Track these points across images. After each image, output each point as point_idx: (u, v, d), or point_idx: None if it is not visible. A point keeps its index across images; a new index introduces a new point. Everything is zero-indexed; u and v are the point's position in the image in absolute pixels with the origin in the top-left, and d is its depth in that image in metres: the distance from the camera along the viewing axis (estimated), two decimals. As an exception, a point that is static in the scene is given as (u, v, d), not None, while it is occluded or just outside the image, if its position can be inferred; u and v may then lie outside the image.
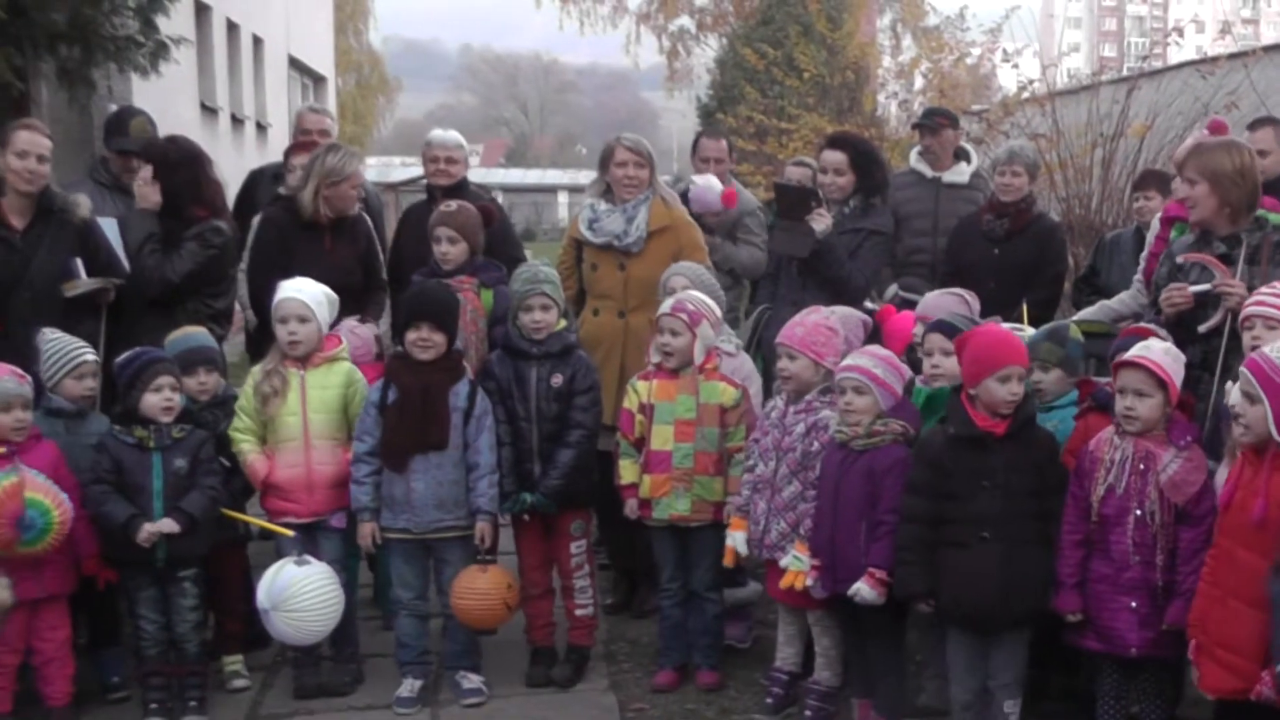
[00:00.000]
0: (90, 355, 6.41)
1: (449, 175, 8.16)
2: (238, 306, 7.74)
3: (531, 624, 6.74)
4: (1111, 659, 5.43)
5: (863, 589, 5.66)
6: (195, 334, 6.67)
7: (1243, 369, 4.83)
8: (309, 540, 6.46)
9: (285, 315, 6.46)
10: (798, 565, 5.92)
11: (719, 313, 6.64)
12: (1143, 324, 5.96)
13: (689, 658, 6.67)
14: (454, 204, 7.20)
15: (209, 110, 20.16)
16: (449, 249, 7.02)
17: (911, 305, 8.23)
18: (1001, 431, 5.42)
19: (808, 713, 6.11)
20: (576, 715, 6.34)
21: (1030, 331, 6.28)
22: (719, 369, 6.58)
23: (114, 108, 9.50)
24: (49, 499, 5.79)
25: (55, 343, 6.35)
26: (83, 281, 6.83)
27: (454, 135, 8.36)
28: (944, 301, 6.62)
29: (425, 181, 8.37)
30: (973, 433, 5.44)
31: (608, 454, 6.76)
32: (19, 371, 6.04)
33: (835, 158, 7.75)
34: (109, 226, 7.27)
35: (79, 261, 6.86)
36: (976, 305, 6.66)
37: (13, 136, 6.76)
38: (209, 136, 18.40)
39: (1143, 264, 7.18)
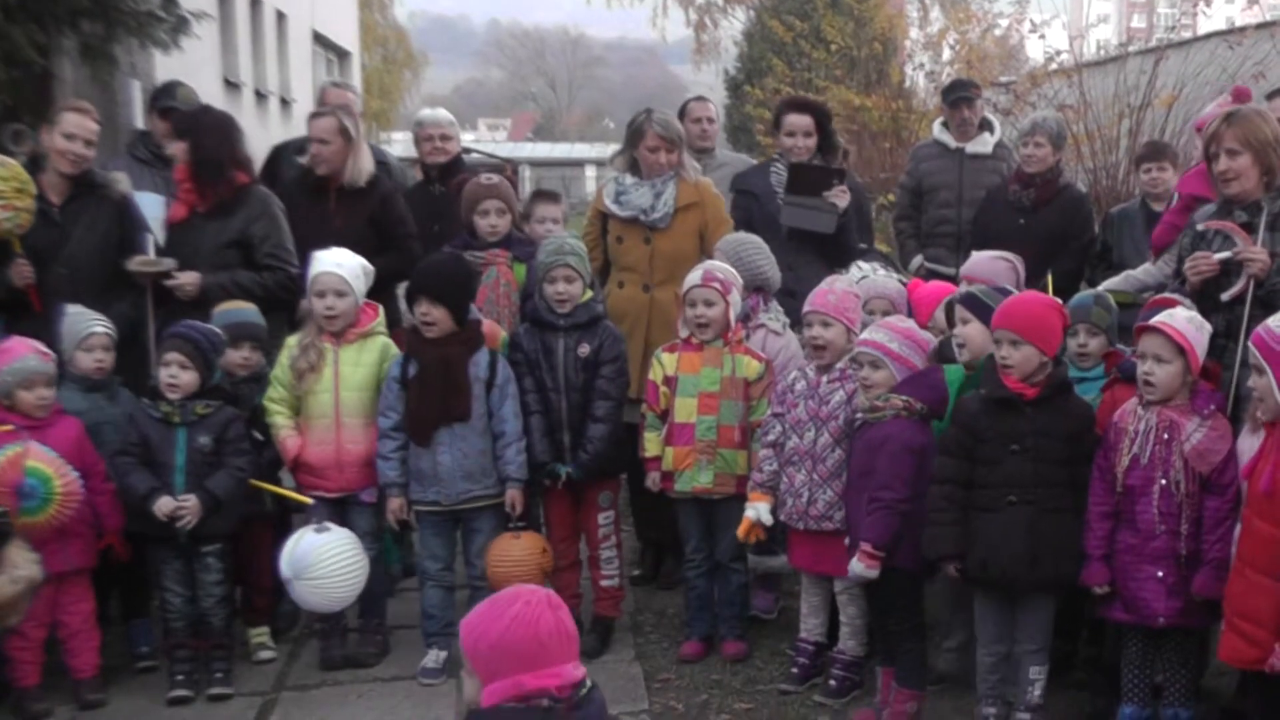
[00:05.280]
0: (100, 328, 6.36)
1: (445, 152, 8.30)
2: None
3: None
4: (1137, 629, 5.41)
5: (854, 565, 5.70)
6: (244, 309, 6.68)
7: (1248, 343, 4.82)
8: (340, 516, 6.47)
9: (323, 289, 6.44)
10: None
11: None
12: (1168, 294, 5.91)
13: (715, 628, 6.68)
14: (494, 177, 7.27)
15: (232, 86, 20.17)
16: (498, 221, 7.09)
17: (936, 276, 8.24)
18: (1032, 395, 5.42)
19: (832, 682, 6.12)
20: (602, 685, 6.14)
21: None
22: (765, 347, 6.62)
23: (138, 83, 9.53)
24: (51, 468, 5.80)
25: (70, 317, 6.35)
26: (152, 260, 6.82)
27: (444, 113, 8.55)
28: (993, 266, 6.59)
29: (423, 161, 8.45)
30: (1002, 394, 5.45)
31: (633, 426, 6.76)
32: (42, 349, 6.06)
33: (804, 121, 7.84)
34: (154, 202, 7.30)
35: (150, 238, 6.86)
36: (1022, 269, 6.64)
37: (61, 117, 6.77)
38: (232, 112, 18.30)
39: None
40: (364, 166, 7.48)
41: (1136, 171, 8.71)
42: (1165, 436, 5.24)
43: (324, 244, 6.69)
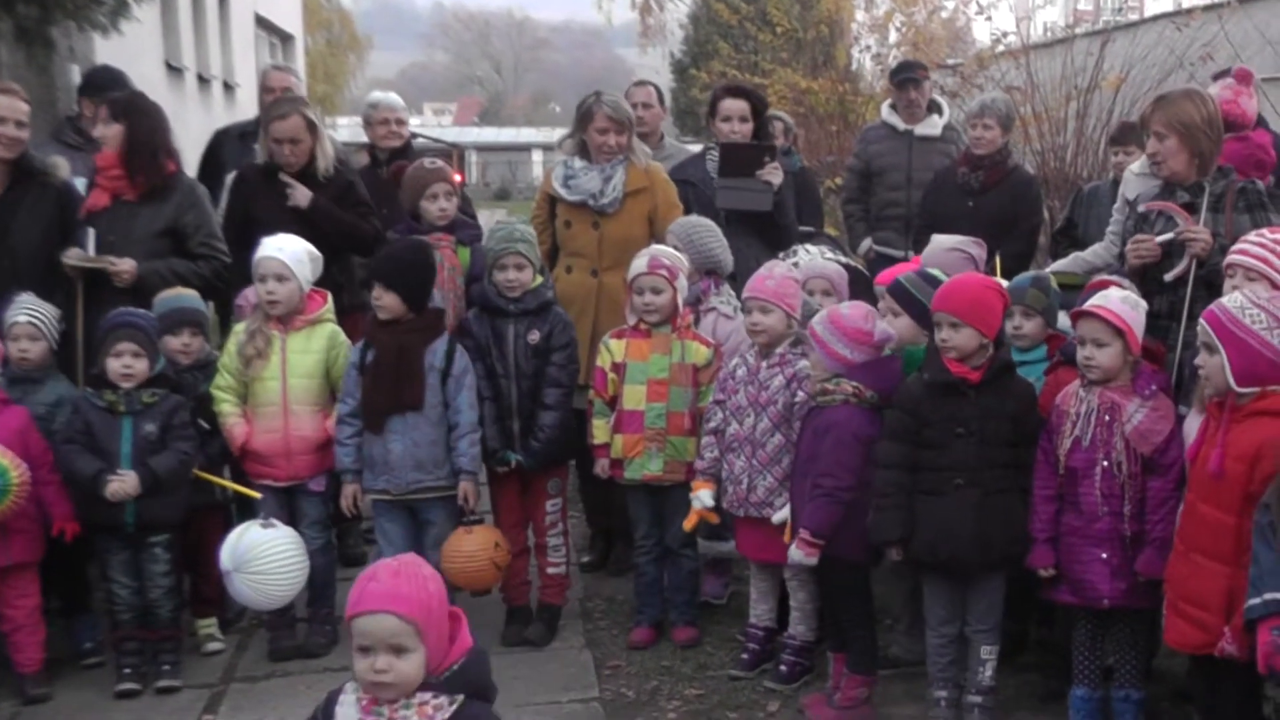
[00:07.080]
0: (22, 316, 6.27)
1: (399, 136, 8.36)
2: None
3: (507, 583, 6.70)
4: (1085, 611, 5.42)
5: (793, 552, 5.68)
6: (184, 295, 6.59)
7: (1200, 320, 4.82)
8: (289, 503, 6.44)
9: (264, 274, 6.39)
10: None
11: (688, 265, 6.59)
12: (1104, 277, 5.93)
13: (665, 614, 6.67)
14: (437, 161, 7.26)
15: (174, 70, 19.93)
16: (446, 204, 7.05)
17: (886, 259, 8.24)
18: (976, 379, 5.41)
19: (783, 668, 6.11)
20: (553, 673, 6.32)
21: (1004, 284, 6.25)
22: (716, 331, 6.60)
23: (76, 68, 9.40)
24: (7, 460, 5.74)
25: (12, 307, 6.26)
26: (89, 255, 6.67)
27: (396, 97, 8.58)
28: (947, 259, 6.54)
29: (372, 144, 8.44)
30: (946, 379, 5.43)
31: (582, 412, 6.73)
32: None
33: (739, 106, 7.83)
34: (79, 187, 7.18)
35: (91, 233, 6.73)
36: (982, 255, 6.60)
37: None
38: (175, 97, 18.19)
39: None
40: (330, 155, 7.41)
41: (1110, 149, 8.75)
42: (1106, 418, 5.23)
43: (284, 228, 6.65)
